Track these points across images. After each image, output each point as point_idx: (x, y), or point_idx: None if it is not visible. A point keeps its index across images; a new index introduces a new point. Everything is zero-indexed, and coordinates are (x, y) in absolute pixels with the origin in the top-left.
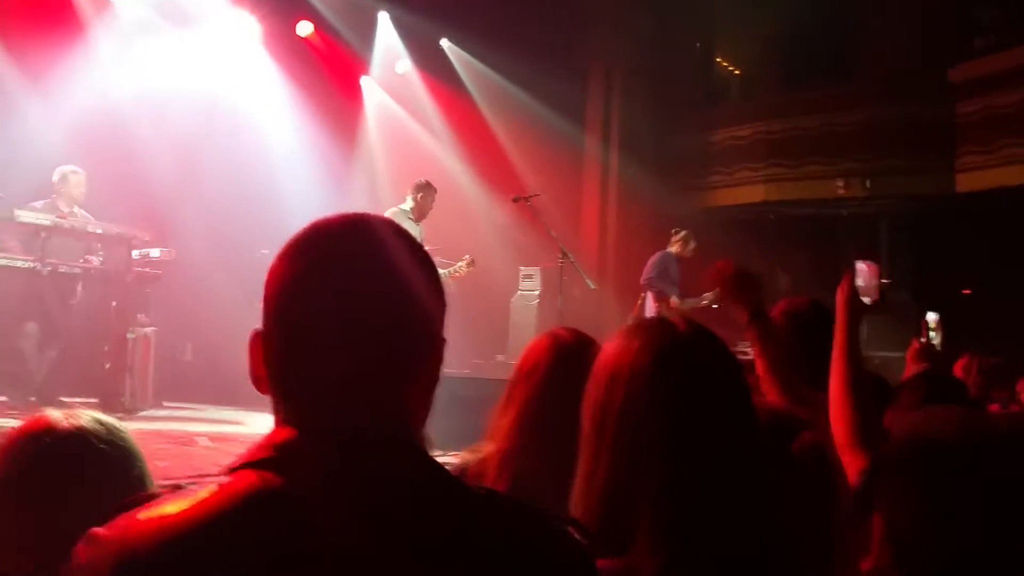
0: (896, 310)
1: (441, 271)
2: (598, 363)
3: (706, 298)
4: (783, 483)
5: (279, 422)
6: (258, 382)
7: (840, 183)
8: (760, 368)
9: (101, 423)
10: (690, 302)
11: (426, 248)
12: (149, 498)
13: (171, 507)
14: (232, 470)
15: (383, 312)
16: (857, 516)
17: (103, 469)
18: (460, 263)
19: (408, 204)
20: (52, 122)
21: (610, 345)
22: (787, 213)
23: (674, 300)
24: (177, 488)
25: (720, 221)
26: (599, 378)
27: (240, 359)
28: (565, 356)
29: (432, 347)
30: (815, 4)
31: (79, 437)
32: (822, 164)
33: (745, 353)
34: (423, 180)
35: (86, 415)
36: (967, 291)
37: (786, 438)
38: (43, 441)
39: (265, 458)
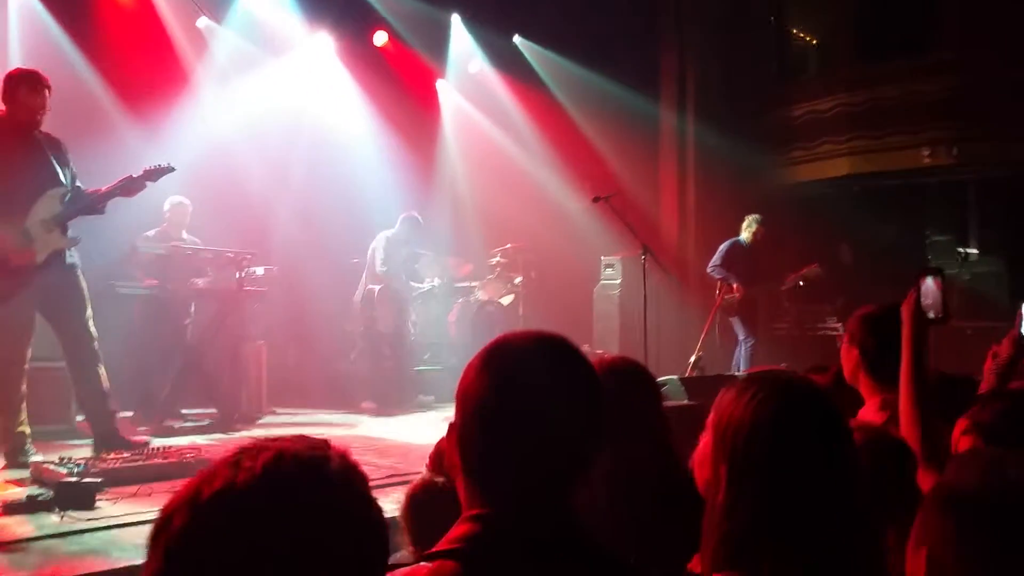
0: (987, 280)
1: (507, 298)
2: (721, 416)
3: (785, 282)
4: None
5: (468, 512)
6: (452, 469)
7: (926, 152)
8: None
9: None
10: (763, 287)
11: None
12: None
13: None
14: (432, 556)
15: (566, 427)
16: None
17: None
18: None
19: (393, 231)
20: (161, 158)
21: (731, 397)
22: (873, 185)
23: (737, 284)
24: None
25: (804, 197)
26: (724, 431)
27: (341, 362)
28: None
29: (596, 454)
30: None
31: None
32: (906, 133)
33: (835, 330)
34: (413, 214)
35: None
36: None
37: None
38: None
39: (457, 550)
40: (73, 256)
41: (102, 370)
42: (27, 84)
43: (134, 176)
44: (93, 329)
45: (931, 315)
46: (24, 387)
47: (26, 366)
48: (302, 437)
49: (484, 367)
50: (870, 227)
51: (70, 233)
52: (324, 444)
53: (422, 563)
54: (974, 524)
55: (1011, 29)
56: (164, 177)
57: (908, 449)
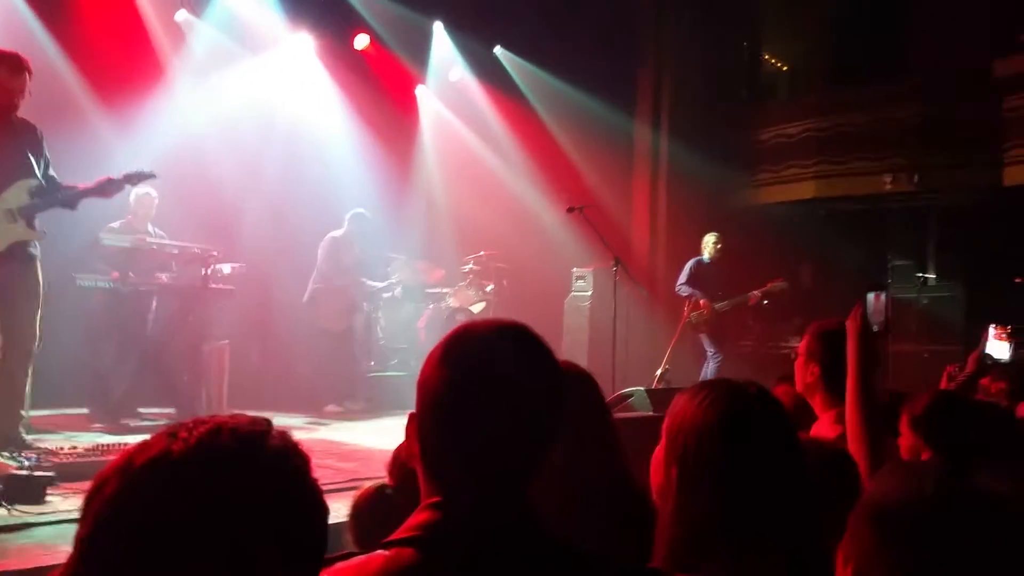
0: (944, 304)
1: (478, 306)
2: (674, 419)
3: (751, 297)
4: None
5: (426, 500)
6: (411, 457)
7: (888, 178)
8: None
9: None
10: (730, 302)
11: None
12: (329, 561)
13: (347, 571)
14: (388, 544)
15: (522, 417)
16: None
17: None
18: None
19: (341, 231)
20: (131, 150)
21: (683, 401)
22: (836, 209)
23: (704, 301)
24: (349, 555)
25: (771, 218)
26: (676, 434)
27: (304, 365)
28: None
29: (552, 445)
30: (861, 1)
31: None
32: (870, 160)
33: (790, 349)
34: (359, 210)
35: None
36: (1020, 279)
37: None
38: None
39: (414, 537)
40: (36, 249)
41: (29, 371)
42: (7, 65)
43: (113, 178)
44: (38, 328)
45: (875, 328)
46: None
47: None
48: (243, 415)
49: (443, 357)
50: (834, 250)
51: (37, 226)
52: (265, 422)
53: (379, 551)
54: (895, 537)
55: (973, 60)
56: (139, 168)
57: (851, 461)
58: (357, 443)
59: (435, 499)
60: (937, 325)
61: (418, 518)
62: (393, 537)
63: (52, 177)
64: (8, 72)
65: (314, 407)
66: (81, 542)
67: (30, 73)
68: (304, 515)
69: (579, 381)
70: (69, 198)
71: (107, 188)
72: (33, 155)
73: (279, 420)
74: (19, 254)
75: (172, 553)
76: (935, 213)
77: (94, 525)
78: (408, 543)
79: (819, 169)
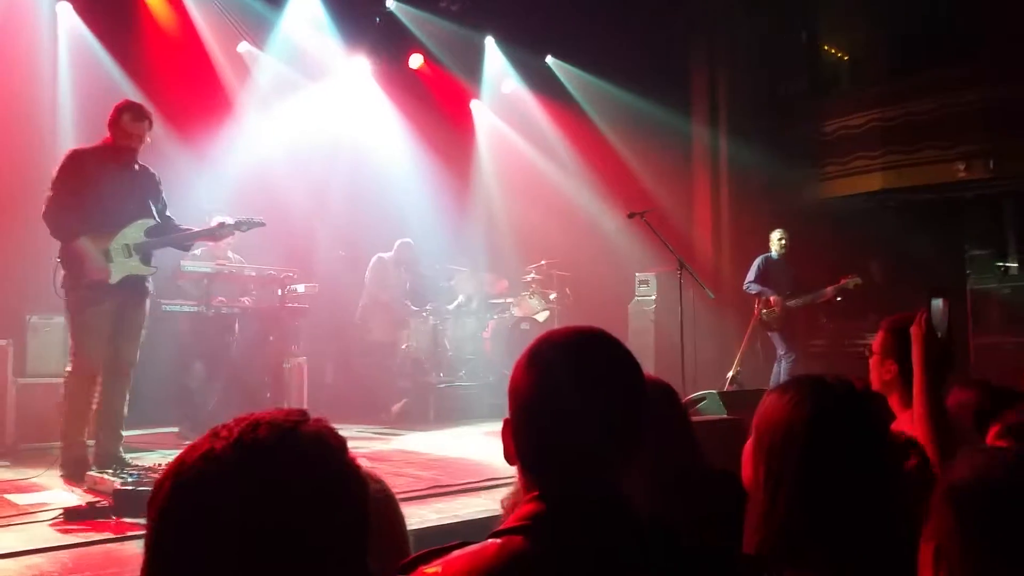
0: None
1: (542, 315)
2: (761, 417)
3: (824, 294)
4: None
5: (528, 493)
6: (509, 457)
7: (961, 166)
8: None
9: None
10: (803, 299)
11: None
12: (444, 551)
13: (463, 559)
14: (499, 533)
15: (605, 414)
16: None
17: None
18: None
19: (389, 253)
20: (208, 180)
21: (772, 399)
22: (907, 200)
23: (774, 299)
24: (461, 545)
25: (839, 211)
26: (763, 432)
27: (369, 377)
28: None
29: (641, 438)
30: None
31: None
32: (940, 148)
33: (865, 346)
34: (405, 239)
35: None
36: None
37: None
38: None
39: (522, 526)
40: (148, 284)
41: (127, 395)
42: (130, 113)
43: (225, 223)
44: (137, 354)
45: (939, 334)
46: (94, 400)
47: (99, 378)
48: (281, 409)
49: (528, 362)
50: (906, 242)
51: (152, 263)
52: (300, 412)
53: (491, 540)
54: (972, 516)
55: None
56: (214, 198)
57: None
58: (432, 452)
59: (536, 492)
60: (1020, 316)
61: (524, 509)
62: (503, 527)
63: (169, 218)
64: (130, 118)
65: (383, 415)
66: (148, 540)
67: (150, 122)
68: (342, 491)
69: (654, 387)
70: (182, 239)
71: (217, 232)
72: (151, 198)
73: (355, 431)
74: (133, 286)
75: (225, 538)
76: (1013, 199)
77: (157, 522)
78: (517, 531)
79: (887, 160)
